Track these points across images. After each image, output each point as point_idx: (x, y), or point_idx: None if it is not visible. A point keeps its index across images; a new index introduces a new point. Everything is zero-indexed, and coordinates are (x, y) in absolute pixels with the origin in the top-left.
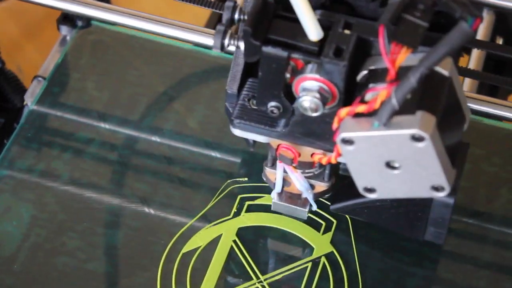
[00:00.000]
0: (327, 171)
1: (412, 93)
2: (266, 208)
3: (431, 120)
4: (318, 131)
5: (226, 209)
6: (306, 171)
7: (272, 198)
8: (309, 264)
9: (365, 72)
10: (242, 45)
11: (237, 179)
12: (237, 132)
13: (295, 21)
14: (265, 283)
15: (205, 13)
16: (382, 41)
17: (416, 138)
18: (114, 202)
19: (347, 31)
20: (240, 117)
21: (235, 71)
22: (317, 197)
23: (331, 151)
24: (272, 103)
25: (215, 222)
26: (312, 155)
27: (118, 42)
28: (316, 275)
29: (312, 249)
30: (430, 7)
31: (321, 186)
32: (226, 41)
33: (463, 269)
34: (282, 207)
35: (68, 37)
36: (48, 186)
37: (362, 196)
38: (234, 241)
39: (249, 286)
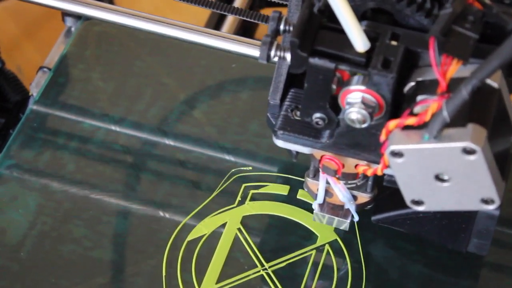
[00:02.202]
0: (370, 182)
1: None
2: (270, 197)
3: (482, 133)
4: (364, 142)
5: (230, 197)
6: (349, 182)
7: (314, 209)
8: (313, 252)
9: (412, 83)
10: (288, 56)
11: (242, 168)
12: (280, 143)
13: (341, 32)
14: (269, 271)
15: (205, 13)
16: (432, 53)
17: (468, 151)
18: (119, 191)
19: (394, 42)
20: (284, 128)
21: (277, 81)
22: (359, 208)
23: (376, 162)
24: (317, 114)
25: (219, 211)
26: (356, 166)
27: (123, 33)
28: (320, 262)
29: (316, 237)
30: (480, 18)
31: (364, 197)
32: (272, 53)
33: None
34: (323, 218)
35: (73, 28)
36: (54, 175)
37: (404, 207)
38: (239, 229)
39: (253, 273)
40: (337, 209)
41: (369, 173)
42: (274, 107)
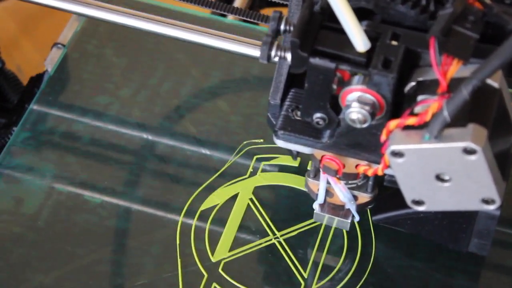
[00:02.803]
0: (370, 182)
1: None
2: (281, 168)
3: (483, 133)
4: (364, 142)
5: (242, 169)
6: (350, 182)
7: (314, 209)
8: None
9: (413, 83)
10: (288, 56)
11: (253, 141)
12: (280, 143)
13: (342, 32)
14: (281, 239)
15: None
16: (433, 53)
17: (468, 151)
18: (134, 162)
19: (394, 42)
20: (284, 128)
21: (278, 81)
22: (360, 208)
23: (377, 162)
24: (318, 114)
25: (232, 181)
26: (356, 166)
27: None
28: (331, 231)
29: None
30: (481, 18)
31: (364, 197)
32: (273, 53)
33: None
34: (324, 218)
35: None
36: (69, 147)
37: (405, 207)
38: (251, 199)
39: (265, 241)
40: (338, 209)
41: (370, 173)
42: (275, 107)
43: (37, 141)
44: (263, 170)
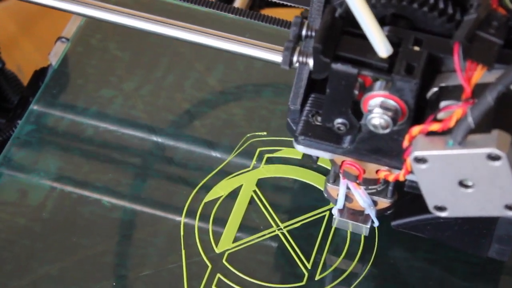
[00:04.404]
0: (390, 188)
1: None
2: (284, 161)
3: (507, 139)
4: (385, 148)
5: (246, 161)
6: (369, 187)
7: (334, 215)
8: (327, 213)
9: (435, 89)
10: (310, 61)
11: (256, 133)
12: (300, 148)
13: (363, 37)
14: (284, 231)
15: None
16: (457, 59)
17: (492, 157)
18: (138, 154)
19: (417, 48)
20: (305, 133)
21: (298, 86)
22: (379, 213)
23: (398, 168)
24: (339, 120)
25: (235, 174)
26: (377, 171)
27: (139, 5)
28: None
29: None
30: (504, 24)
31: (384, 202)
32: (295, 58)
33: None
34: (343, 224)
35: None
36: (74, 139)
37: (425, 213)
38: (254, 191)
39: (269, 233)
40: (357, 215)
41: (391, 178)
42: (295, 113)
43: (42, 133)
44: (267, 163)
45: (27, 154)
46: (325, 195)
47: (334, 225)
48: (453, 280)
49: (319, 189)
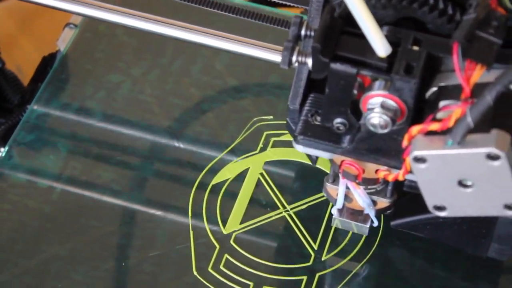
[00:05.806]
0: (389, 187)
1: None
2: (290, 144)
3: (507, 138)
4: (384, 147)
5: (252, 145)
6: (369, 187)
7: (333, 214)
8: None
9: (434, 89)
10: (309, 61)
11: (263, 117)
12: (300, 148)
13: (362, 37)
14: (291, 212)
15: None
16: (456, 59)
17: (492, 157)
18: (146, 138)
19: (416, 47)
20: (304, 133)
21: (297, 86)
22: (378, 213)
23: (397, 167)
24: (338, 120)
25: (242, 157)
26: (376, 171)
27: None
28: None
29: None
30: (504, 23)
31: (383, 202)
32: (294, 58)
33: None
34: (342, 223)
35: None
36: (83, 123)
37: (424, 212)
38: (261, 174)
39: (276, 214)
40: (357, 214)
41: (390, 178)
42: (294, 112)
43: (51, 117)
44: (273, 146)
45: (36, 137)
46: (324, 194)
47: (334, 225)
48: (453, 280)
49: (325, 172)
